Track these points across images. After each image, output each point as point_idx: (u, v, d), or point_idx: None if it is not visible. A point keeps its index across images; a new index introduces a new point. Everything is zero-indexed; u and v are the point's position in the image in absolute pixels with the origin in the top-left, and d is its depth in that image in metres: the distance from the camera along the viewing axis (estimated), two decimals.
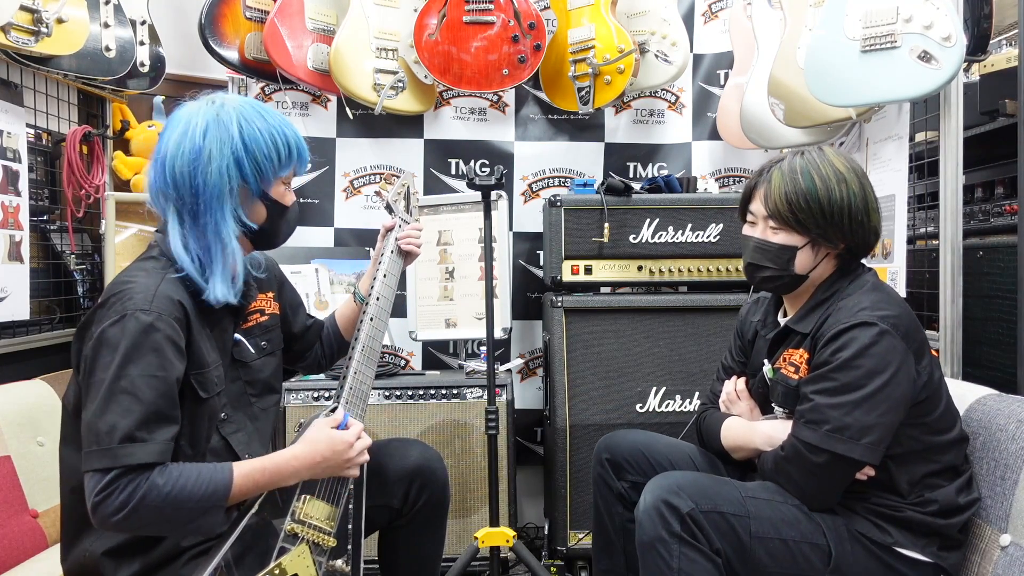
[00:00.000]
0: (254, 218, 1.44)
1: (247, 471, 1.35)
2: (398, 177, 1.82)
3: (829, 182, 1.49)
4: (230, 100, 1.41)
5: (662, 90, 2.88)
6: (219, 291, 1.37)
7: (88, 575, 1.37)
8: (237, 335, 1.53)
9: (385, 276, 1.69)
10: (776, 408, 1.61)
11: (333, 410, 1.53)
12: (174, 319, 1.32)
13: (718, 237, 2.44)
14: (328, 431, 1.46)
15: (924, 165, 2.22)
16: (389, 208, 1.76)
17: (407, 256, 1.77)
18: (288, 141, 1.42)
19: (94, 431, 1.25)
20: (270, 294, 1.65)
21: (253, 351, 1.56)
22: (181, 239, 1.37)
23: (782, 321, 1.65)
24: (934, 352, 1.52)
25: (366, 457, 1.51)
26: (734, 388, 1.73)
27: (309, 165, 1.58)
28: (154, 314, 1.29)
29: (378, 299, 1.65)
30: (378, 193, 1.84)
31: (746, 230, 1.62)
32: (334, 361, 1.85)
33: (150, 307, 1.29)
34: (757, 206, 1.58)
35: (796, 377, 1.52)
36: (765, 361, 1.64)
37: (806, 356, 1.52)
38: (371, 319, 1.62)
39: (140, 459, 1.23)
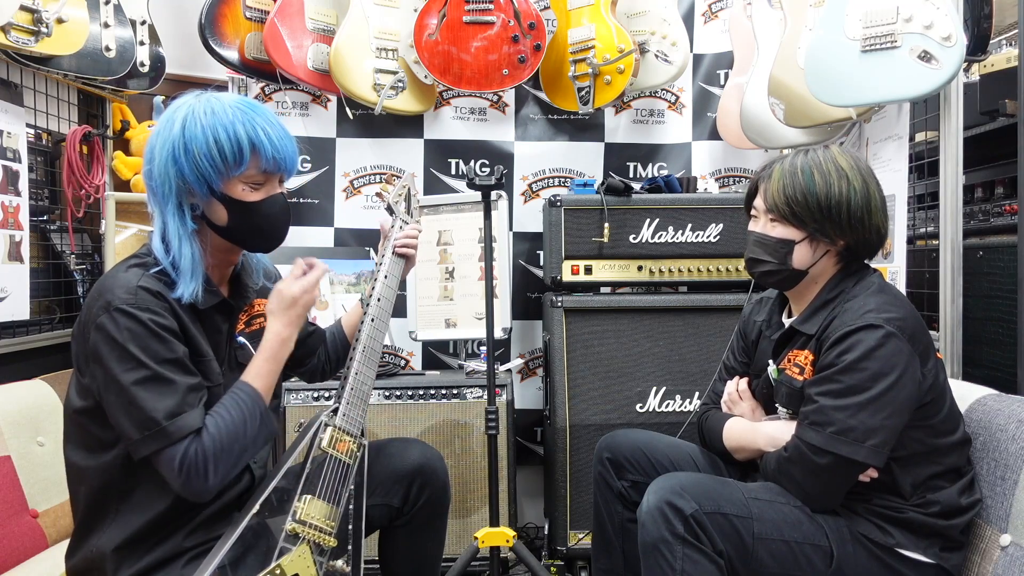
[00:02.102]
0: (216, 218, 1.41)
1: (255, 369, 1.42)
2: (399, 178, 1.82)
3: (829, 177, 1.50)
4: (197, 98, 1.38)
5: (662, 90, 2.88)
6: (181, 290, 1.36)
7: (92, 572, 1.37)
8: (241, 338, 1.54)
9: (386, 277, 1.69)
10: (780, 409, 1.61)
11: (335, 410, 1.53)
12: (160, 307, 1.33)
13: (718, 237, 2.45)
14: (281, 292, 1.47)
15: (924, 165, 2.22)
16: (390, 209, 1.76)
17: (407, 260, 1.76)
18: (235, 139, 1.34)
19: (137, 421, 1.27)
20: None
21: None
22: (159, 235, 1.39)
23: (787, 322, 1.65)
24: (938, 355, 1.52)
25: (315, 290, 1.52)
26: (736, 388, 1.73)
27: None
28: (140, 305, 1.30)
29: (379, 300, 1.65)
30: (379, 194, 1.83)
31: (750, 225, 1.64)
32: (338, 368, 1.83)
33: (134, 299, 1.30)
34: (759, 200, 1.60)
35: (801, 378, 1.52)
36: (770, 362, 1.64)
37: (811, 357, 1.52)
38: (372, 320, 1.62)
39: (192, 426, 1.29)
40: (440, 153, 2.89)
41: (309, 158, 2.83)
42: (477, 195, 2.22)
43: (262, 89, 2.82)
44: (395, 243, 1.71)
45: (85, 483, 1.37)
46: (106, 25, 2.34)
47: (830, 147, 1.57)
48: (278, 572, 1.36)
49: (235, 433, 1.34)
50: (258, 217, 1.42)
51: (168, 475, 1.29)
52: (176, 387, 1.30)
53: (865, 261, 1.60)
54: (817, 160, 1.53)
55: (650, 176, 2.86)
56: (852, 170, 1.51)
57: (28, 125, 2.31)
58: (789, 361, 1.58)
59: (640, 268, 2.46)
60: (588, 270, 2.44)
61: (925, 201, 2.21)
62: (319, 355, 1.80)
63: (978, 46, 2.18)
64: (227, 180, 1.37)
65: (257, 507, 1.38)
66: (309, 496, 1.45)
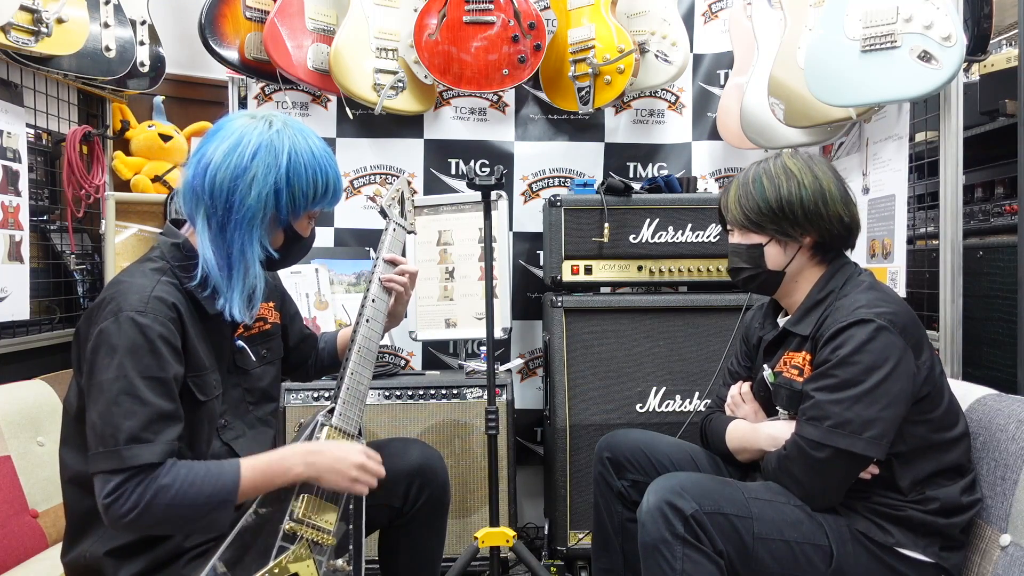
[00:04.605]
0: (273, 245, 1.44)
1: (255, 464, 1.36)
2: (398, 178, 1.82)
3: (777, 180, 1.57)
4: (287, 126, 1.40)
5: (662, 90, 2.88)
6: (235, 309, 1.38)
7: (89, 574, 1.37)
8: (240, 342, 1.54)
9: (381, 279, 1.69)
10: (780, 411, 1.61)
11: (331, 411, 1.53)
12: (169, 320, 1.32)
13: (718, 237, 2.44)
14: (342, 440, 1.48)
15: (924, 165, 2.21)
16: (383, 213, 1.76)
17: (396, 296, 1.72)
18: (327, 181, 1.43)
19: (99, 433, 1.25)
20: (271, 304, 1.66)
21: (254, 359, 1.57)
22: (207, 244, 1.37)
23: (781, 323, 1.66)
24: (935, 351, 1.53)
25: (373, 482, 1.49)
26: (739, 391, 1.74)
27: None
28: (149, 315, 1.29)
29: (374, 301, 1.66)
30: (371, 198, 1.83)
31: (728, 239, 1.71)
32: (321, 375, 1.87)
33: (145, 308, 1.30)
34: (726, 215, 1.68)
35: (800, 380, 1.53)
36: (764, 366, 1.64)
37: (808, 358, 1.53)
38: (367, 320, 1.63)
39: (146, 459, 1.25)
40: (440, 153, 2.88)
41: None
42: (477, 195, 2.22)
43: (262, 89, 2.82)
44: (381, 279, 1.69)
45: (78, 486, 1.37)
46: (106, 25, 2.34)
47: (782, 154, 1.64)
48: (277, 571, 1.36)
49: (187, 505, 1.27)
50: (301, 249, 1.51)
51: (97, 493, 1.25)
52: (146, 409, 1.26)
53: (849, 258, 1.63)
54: (767, 168, 1.61)
55: (650, 176, 2.86)
56: (801, 169, 1.58)
57: (28, 125, 2.31)
58: (786, 363, 1.58)
59: (640, 268, 2.46)
60: (588, 270, 2.44)
61: (925, 201, 2.21)
62: (309, 361, 1.82)
63: (978, 46, 2.18)
64: (303, 215, 1.44)
65: (255, 506, 1.38)
66: (307, 495, 1.45)
